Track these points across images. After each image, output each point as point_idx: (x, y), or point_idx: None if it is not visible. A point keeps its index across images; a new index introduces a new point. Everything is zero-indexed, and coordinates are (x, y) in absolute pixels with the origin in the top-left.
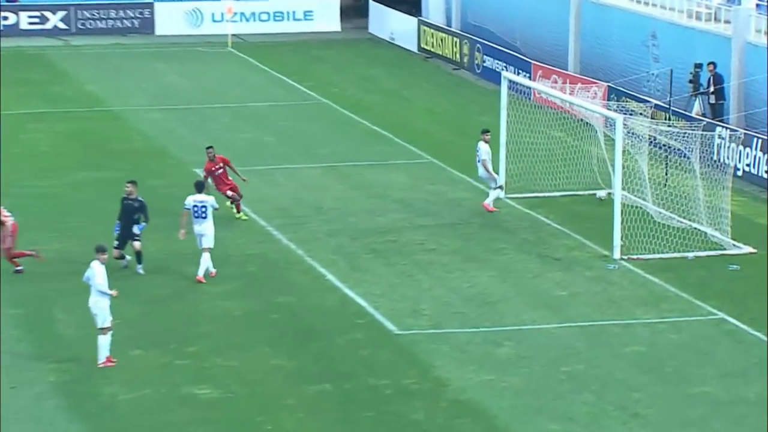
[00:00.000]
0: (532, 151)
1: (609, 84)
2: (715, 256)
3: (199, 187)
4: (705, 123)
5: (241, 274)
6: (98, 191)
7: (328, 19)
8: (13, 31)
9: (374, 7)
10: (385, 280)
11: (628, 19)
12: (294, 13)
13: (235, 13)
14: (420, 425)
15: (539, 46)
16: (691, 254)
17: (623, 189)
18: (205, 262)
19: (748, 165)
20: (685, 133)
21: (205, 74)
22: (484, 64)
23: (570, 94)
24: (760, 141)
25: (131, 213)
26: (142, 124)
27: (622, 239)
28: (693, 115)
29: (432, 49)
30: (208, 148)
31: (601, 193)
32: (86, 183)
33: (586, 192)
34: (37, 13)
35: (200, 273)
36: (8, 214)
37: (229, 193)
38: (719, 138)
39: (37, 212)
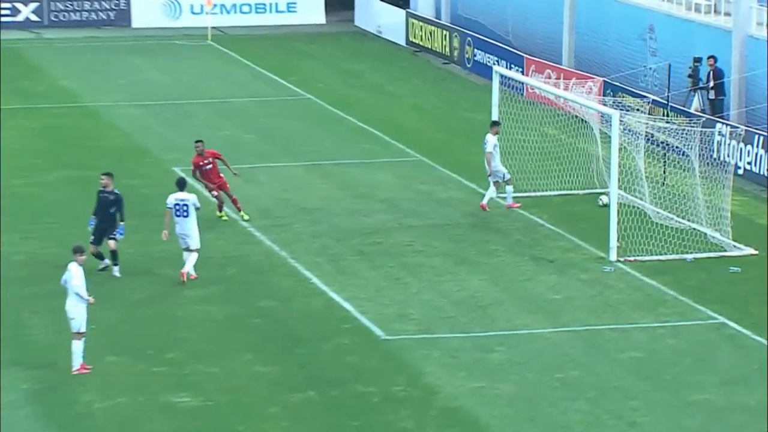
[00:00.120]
0: (525, 149)
1: (605, 79)
2: (715, 258)
3: (181, 185)
4: (704, 119)
5: (222, 277)
6: (73, 191)
7: (313, 12)
8: None
9: None
10: (372, 284)
11: (624, 11)
12: (277, 5)
13: (215, 5)
14: None
15: (532, 40)
16: (690, 256)
17: (620, 188)
18: (192, 260)
19: (749, 163)
20: (683, 129)
21: (184, 69)
22: (475, 59)
23: (564, 89)
24: (761, 138)
25: (107, 207)
26: (119, 120)
27: (618, 240)
28: (692, 111)
29: (420, 43)
30: (196, 142)
31: (605, 199)
32: (60, 182)
33: (581, 191)
34: (8, 5)
35: (186, 269)
36: None
37: (215, 193)
38: (719, 135)
39: (8, 213)
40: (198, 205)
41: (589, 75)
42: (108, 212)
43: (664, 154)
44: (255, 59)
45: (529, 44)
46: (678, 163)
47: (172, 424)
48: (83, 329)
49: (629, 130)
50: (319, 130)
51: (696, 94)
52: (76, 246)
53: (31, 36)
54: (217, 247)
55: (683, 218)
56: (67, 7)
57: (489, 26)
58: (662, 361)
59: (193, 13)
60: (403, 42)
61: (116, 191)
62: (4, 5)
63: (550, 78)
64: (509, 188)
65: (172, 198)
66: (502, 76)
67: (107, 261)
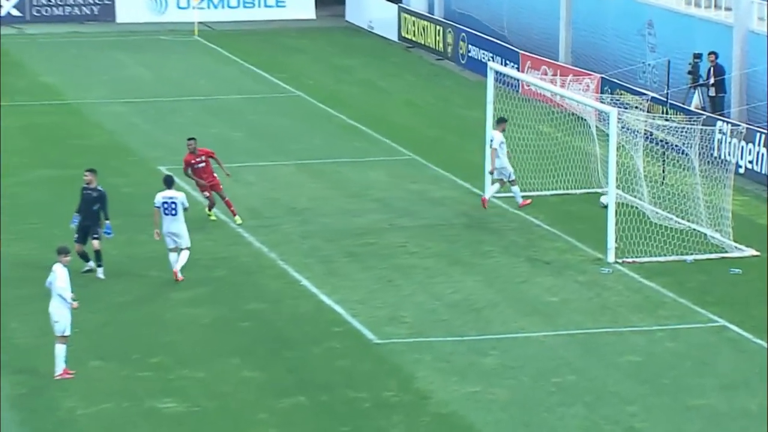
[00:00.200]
0: (521, 148)
1: (602, 75)
2: (716, 259)
3: (169, 183)
4: (705, 117)
5: (209, 279)
6: (55, 191)
7: (302, 6)
8: None
9: None
10: (364, 286)
11: (623, 5)
12: None
13: (202, 0)
14: None
15: (528, 35)
16: (690, 257)
17: (618, 187)
18: (184, 258)
19: (750, 162)
20: (683, 127)
21: (170, 65)
22: (469, 54)
23: (561, 86)
24: (763, 136)
25: (91, 204)
26: (103, 118)
27: (616, 241)
28: (692, 108)
29: (413, 38)
30: (189, 139)
31: (606, 199)
32: (42, 182)
33: (578, 191)
34: None
35: (178, 267)
36: None
37: (206, 193)
38: (720, 133)
39: None
40: (186, 204)
41: (586, 71)
42: (91, 209)
43: (664, 153)
44: (243, 55)
45: (524, 40)
46: (677, 161)
47: (157, 431)
48: (68, 332)
49: (627, 128)
50: (308, 128)
51: (696, 91)
52: (60, 247)
53: (12, 31)
54: (205, 249)
55: (683, 218)
56: (50, 1)
57: (484, 21)
58: (661, 364)
59: (180, 7)
60: (395, 37)
61: (100, 188)
62: None
63: (546, 74)
64: (515, 188)
65: (160, 196)
66: (497, 72)
67: (92, 263)
